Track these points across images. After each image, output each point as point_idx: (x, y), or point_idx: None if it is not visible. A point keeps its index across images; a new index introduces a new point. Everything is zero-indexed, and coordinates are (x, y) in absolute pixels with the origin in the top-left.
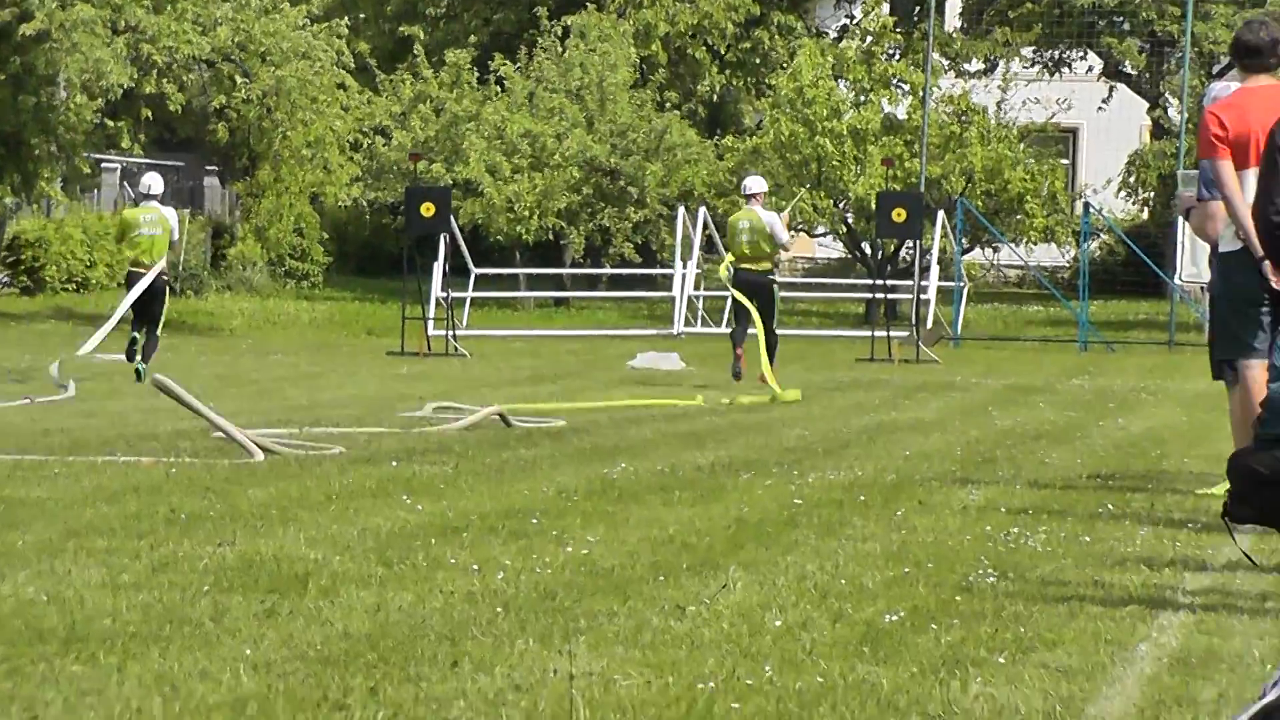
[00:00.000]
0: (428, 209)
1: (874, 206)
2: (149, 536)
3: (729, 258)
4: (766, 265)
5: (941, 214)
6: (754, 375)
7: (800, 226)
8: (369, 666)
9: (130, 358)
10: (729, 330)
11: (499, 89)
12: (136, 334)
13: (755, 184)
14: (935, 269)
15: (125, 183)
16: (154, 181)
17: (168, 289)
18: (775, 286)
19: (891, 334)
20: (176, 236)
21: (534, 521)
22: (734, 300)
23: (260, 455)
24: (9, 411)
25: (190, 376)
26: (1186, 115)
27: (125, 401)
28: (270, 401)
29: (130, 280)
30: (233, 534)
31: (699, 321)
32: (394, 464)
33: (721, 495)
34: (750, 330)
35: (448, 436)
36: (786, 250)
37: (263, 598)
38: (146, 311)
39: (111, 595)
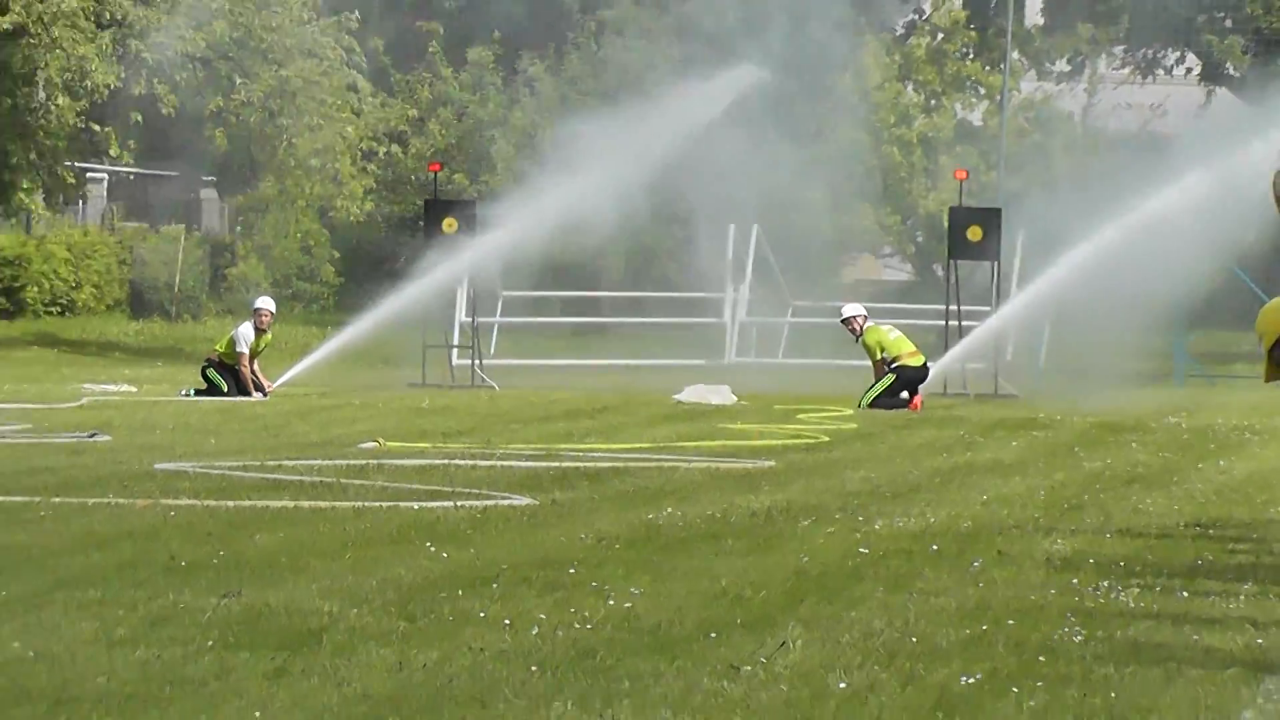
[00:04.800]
0: (450, 224)
1: (946, 224)
2: (146, 586)
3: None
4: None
5: (1022, 233)
6: None
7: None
8: None
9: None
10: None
11: (527, 91)
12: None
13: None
14: (1016, 294)
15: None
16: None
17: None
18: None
19: (966, 365)
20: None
21: (571, 571)
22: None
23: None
24: None
25: (187, 410)
26: None
27: (120, 438)
28: (277, 438)
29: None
30: (238, 584)
31: (752, 351)
32: (415, 507)
33: (779, 544)
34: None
35: (477, 475)
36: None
37: (272, 655)
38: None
39: (105, 651)
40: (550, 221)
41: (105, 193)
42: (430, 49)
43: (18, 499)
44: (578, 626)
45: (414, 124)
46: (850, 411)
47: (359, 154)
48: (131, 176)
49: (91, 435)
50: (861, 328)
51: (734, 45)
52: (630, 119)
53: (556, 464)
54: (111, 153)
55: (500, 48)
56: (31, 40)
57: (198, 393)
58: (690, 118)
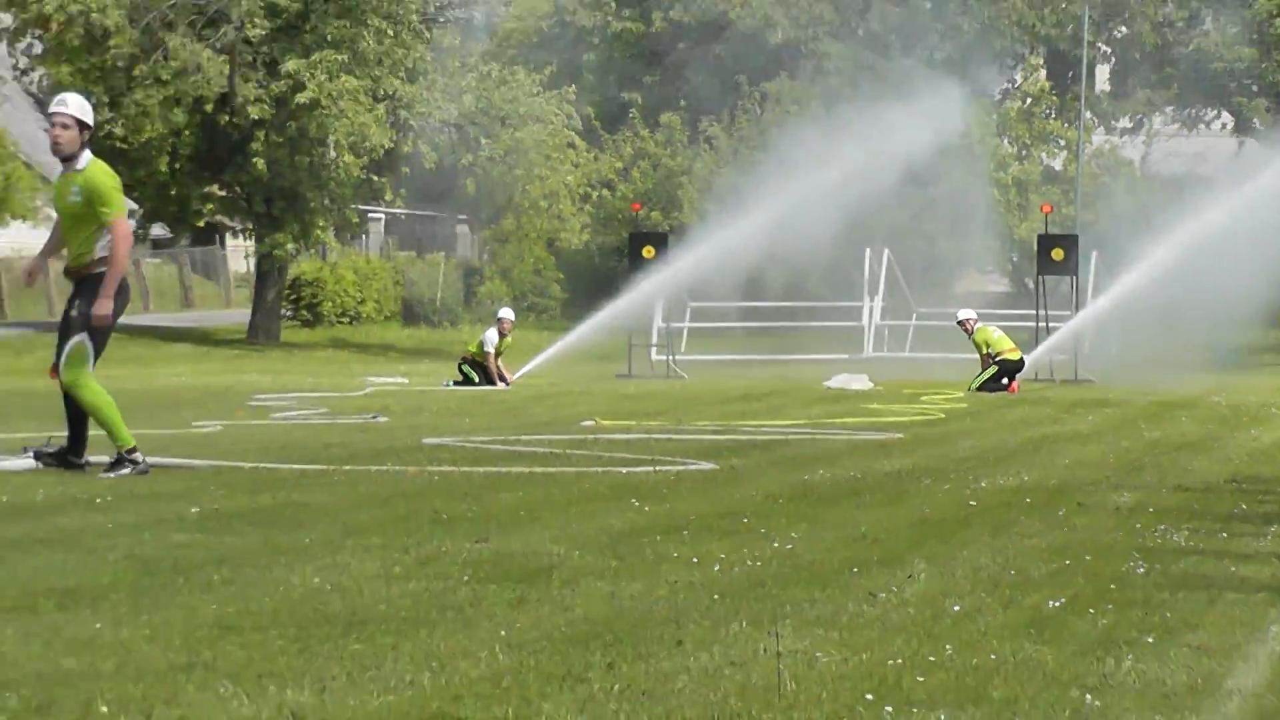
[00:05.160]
0: (648, 251)
1: (1035, 247)
2: (416, 535)
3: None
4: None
5: (1094, 254)
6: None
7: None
8: (605, 646)
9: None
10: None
11: (707, 146)
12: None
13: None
14: (1091, 302)
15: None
16: (508, 314)
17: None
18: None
19: (1053, 357)
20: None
21: (744, 521)
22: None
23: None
24: (295, 428)
25: (448, 397)
26: None
27: (395, 419)
28: (517, 418)
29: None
30: (487, 532)
31: (885, 347)
32: (623, 471)
33: (906, 498)
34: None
35: (671, 446)
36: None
37: (514, 587)
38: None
39: (385, 585)
40: (768, 240)
41: (383, 229)
42: (631, 115)
43: (318, 467)
44: (750, 563)
45: (620, 173)
46: (962, 394)
47: (577, 197)
48: (403, 216)
49: (374, 417)
50: (972, 328)
51: (871, 112)
52: (841, 151)
53: (733, 437)
54: (387, 198)
55: (686, 113)
56: (323, 111)
57: (456, 384)
58: (907, 144)
